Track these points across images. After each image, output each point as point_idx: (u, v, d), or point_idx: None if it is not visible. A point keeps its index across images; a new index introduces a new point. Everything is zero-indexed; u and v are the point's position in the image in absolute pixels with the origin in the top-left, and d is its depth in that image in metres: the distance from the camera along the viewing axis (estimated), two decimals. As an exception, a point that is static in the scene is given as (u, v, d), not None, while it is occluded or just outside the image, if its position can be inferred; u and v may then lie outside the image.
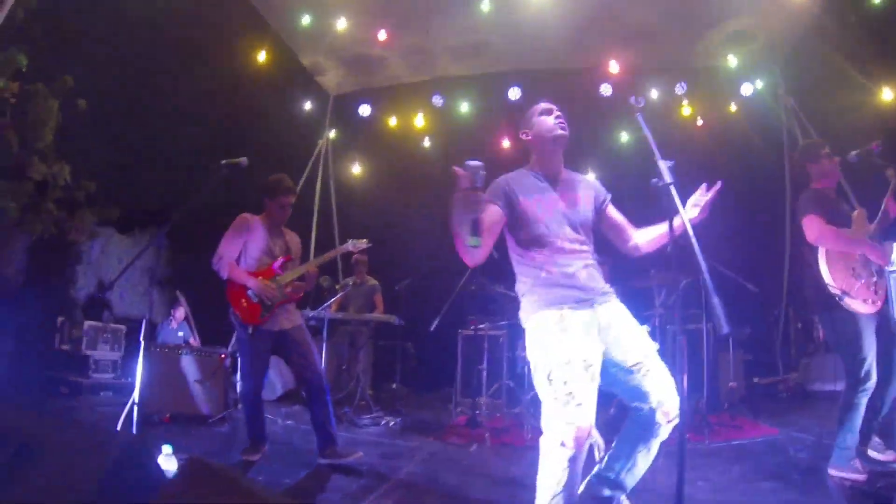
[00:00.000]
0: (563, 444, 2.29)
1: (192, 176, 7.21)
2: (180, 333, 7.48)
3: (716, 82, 7.06)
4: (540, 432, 2.47)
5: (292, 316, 4.09)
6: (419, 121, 7.86)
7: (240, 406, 4.76)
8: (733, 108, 7.00)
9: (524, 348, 5.27)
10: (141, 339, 3.49)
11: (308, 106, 7.76)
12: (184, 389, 5.31)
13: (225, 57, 6.74)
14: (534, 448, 4.00)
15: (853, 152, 3.57)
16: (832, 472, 3.39)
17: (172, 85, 6.84)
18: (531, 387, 5.24)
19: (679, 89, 7.22)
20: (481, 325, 6.01)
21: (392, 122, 7.94)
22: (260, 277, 3.95)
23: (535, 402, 5.08)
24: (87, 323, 7.01)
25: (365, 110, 7.91)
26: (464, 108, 7.78)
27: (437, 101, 7.78)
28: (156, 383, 5.17)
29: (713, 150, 6.75)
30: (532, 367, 2.53)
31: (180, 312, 7.45)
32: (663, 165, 2.28)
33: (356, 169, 8.13)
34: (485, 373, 5.80)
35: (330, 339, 6.43)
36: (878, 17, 5.46)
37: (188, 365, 5.42)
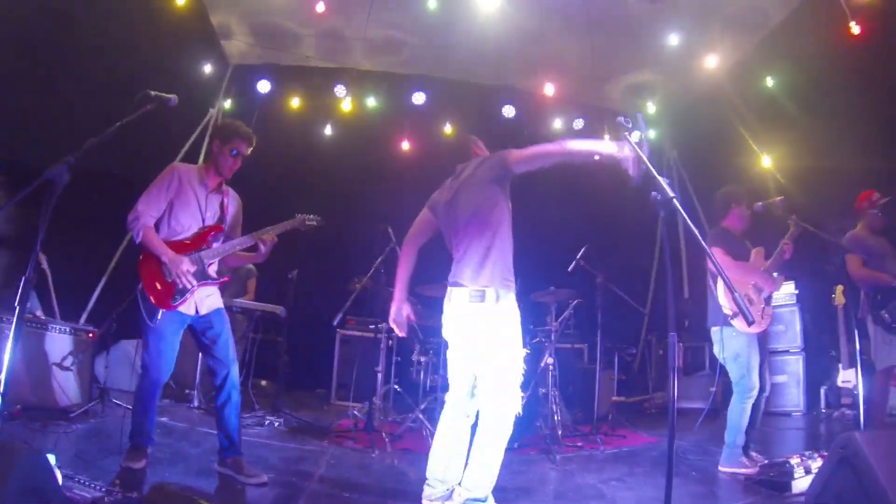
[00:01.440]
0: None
1: (71, 127, 6.36)
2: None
3: (611, 124, 7.89)
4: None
5: (214, 297, 3.61)
6: (323, 107, 7.73)
7: (112, 399, 4.24)
8: (626, 150, 7.90)
9: (424, 353, 5.50)
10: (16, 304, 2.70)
11: (208, 69, 7.26)
12: (41, 375, 4.50)
13: None
14: None
15: (759, 203, 4.36)
16: (723, 468, 4.07)
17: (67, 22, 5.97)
18: (427, 393, 5.46)
19: (578, 124, 7.96)
20: (377, 326, 5.98)
21: (294, 103, 7.69)
22: (180, 253, 3.38)
23: (430, 411, 5.29)
24: None
25: (265, 86, 7.62)
26: (369, 103, 7.82)
27: (340, 90, 7.72)
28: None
29: (607, 185, 7.54)
30: (508, 344, 2.94)
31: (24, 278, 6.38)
32: (663, 182, 2.59)
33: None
34: (380, 375, 5.77)
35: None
36: (769, 97, 6.62)
37: (49, 344, 4.61)
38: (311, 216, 3.80)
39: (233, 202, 3.74)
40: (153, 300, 3.36)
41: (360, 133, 7.80)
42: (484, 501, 2.94)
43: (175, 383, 6.21)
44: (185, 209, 3.46)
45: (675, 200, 2.53)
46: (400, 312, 3.36)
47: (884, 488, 2.33)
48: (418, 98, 7.90)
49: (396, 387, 6.00)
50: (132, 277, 6.61)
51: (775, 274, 4.34)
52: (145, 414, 3.46)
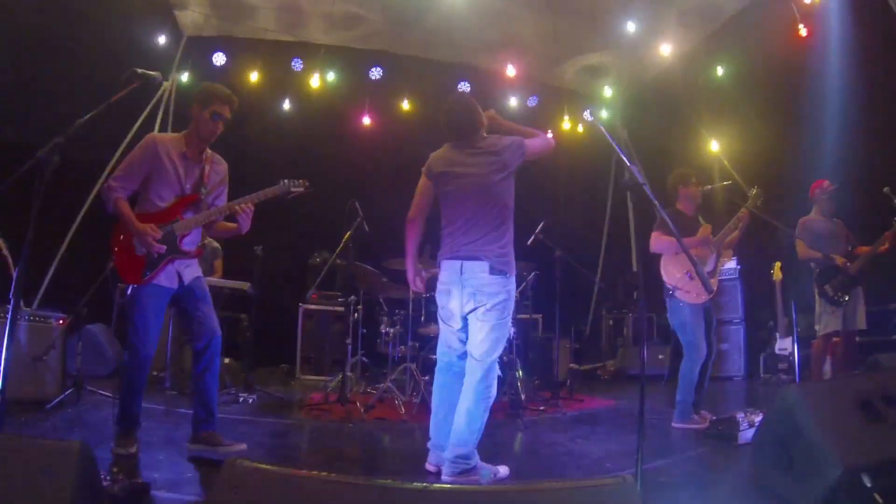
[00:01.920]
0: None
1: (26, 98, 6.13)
2: None
3: (564, 102, 8.29)
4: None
5: (193, 266, 3.56)
6: (281, 81, 7.74)
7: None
8: (580, 128, 8.30)
9: (391, 325, 5.74)
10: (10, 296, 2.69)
11: (162, 40, 7.15)
12: (12, 367, 4.39)
13: None
14: (409, 421, 4.73)
15: (708, 186, 4.82)
16: (677, 425, 4.56)
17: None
18: (397, 363, 5.72)
19: (531, 102, 8.27)
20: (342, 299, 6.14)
21: (253, 77, 7.65)
22: (149, 224, 3.28)
23: (401, 382, 5.60)
24: None
25: (220, 59, 7.55)
26: (328, 77, 7.88)
27: (297, 65, 7.73)
28: None
29: (562, 162, 7.93)
30: (505, 309, 3.32)
31: None
32: (633, 169, 2.91)
33: (205, 121, 7.67)
34: (350, 347, 5.88)
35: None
36: (719, 87, 7.14)
37: (18, 334, 4.50)
38: (298, 182, 3.57)
39: (216, 169, 3.61)
40: (122, 275, 3.34)
41: (319, 108, 7.86)
42: (469, 458, 3.25)
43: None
44: (162, 181, 3.37)
45: (645, 187, 2.87)
46: (416, 281, 3.66)
47: (818, 432, 2.75)
48: (375, 73, 8.03)
49: (364, 358, 6.21)
50: (87, 260, 6.54)
51: (725, 252, 4.83)
52: (133, 395, 3.35)
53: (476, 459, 3.30)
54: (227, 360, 7.03)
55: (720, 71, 7.23)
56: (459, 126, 3.58)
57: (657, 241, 4.63)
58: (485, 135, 3.56)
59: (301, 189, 3.57)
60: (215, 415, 3.50)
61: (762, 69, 6.71)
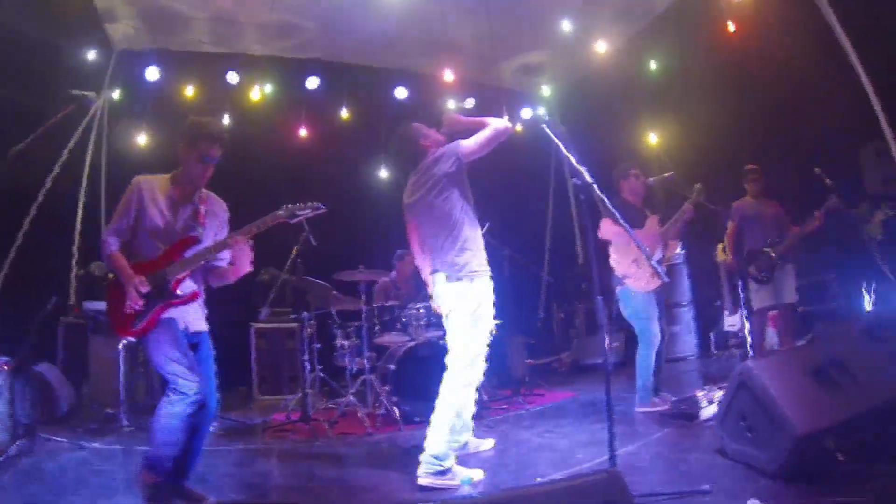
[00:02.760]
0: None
1: None
2: None
3: (503, 102, 8.43)
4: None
5: (198, 316, 3.28)
6: (218, 95, 7.53)
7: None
8: (518, 127, 8.44)
9: (346, 337, 5.70)
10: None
11: (91, 55, 6.85)
12: None
13: None
14: (375, 433, 4.84)
15: (651, 178, 5.00)
16: (639, 409, 4.75)
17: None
18: (356, 375, 5.67)
19: (469, 102, 8.38)
20: (300, 316, 6.03)
21: (189, 91, 7.43)
22: (137, 276, 3.03)
23: (361, 394, 5.56)
24: None
25: (154, 73, 7.29)
26: (265, 89, 7.76)
27: (233, 76, 7.57)
28: None
29: (502, 160, 8.04)
30: (469, 313, 3.54)
31: None
32: (583, 170, 3.02)
33: (141, 139, 7.37)
34: (307, 363, 5.74)
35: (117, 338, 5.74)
36: (654, 80, 7.44)
37: None
38: (305, 204, 3.22)
39: (214, 211, 3.35)
40: (113, 328, 3.13)
41: (257, 121, 7.70)
42: (443, 459, 3.36)
43: (94, 402, 6.02)
44: (150, 228, 3.15)
45: (594, 186, 2.99)
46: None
47: (775, 401, 2.92)
48: (312, 83, 7.93)
49: (322, 373, 6.14)
50: (24, 295, 6.17)
51: (671, 242, 5.08)
52: (178, 443, 3.02)
53: (451, 461, 3.35)
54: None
55: (653, 65, 7.52)
56: (405, 157, 3.87)
57: (607, 228, 4.79)
58: (435, 151, 3.73)
59: (309, 212, 3.23)
60: (185, 474, 3.17)
61: (694, 62, 7.03)
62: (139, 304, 3.03)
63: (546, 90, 8.91)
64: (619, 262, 4.86)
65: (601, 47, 7.44)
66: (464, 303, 3.52)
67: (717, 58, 6.70)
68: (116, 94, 7.43)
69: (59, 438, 4.76)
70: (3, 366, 4.47)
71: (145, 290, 3.03)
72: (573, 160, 3.06)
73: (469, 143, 3.60)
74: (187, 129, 3.21)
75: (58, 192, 7.04)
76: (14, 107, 5.42)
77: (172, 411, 2.97)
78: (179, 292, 3.16)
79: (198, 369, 3.05)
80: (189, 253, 3.16)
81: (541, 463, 3.67)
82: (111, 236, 3.12)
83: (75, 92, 2.89)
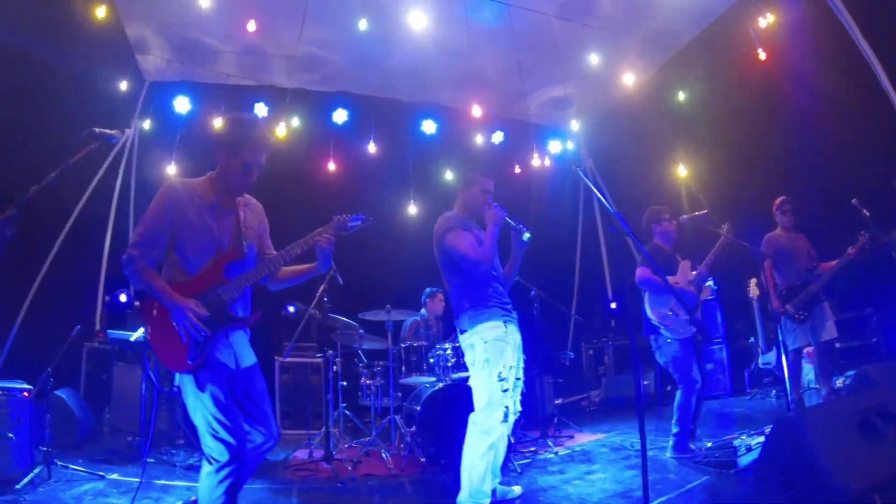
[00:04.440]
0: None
1: None
2: None
3: (531, 136, 8.50)
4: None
5: (248, 347, 2.98)
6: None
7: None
8: (547, 161, 8.49)
9: (372, 377, 5.70)
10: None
11: (124, 86, 7.09)
12: None
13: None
14: (399, 475, 4.82)
15: (685, 216, 4.98)
16: (674, 455, 4.60)
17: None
18: (380, 415, 5.64)
19: (497, 137, 8.45)
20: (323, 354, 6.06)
21: (217, 123, 7.58)
22: (189, 299, 2.71)
23: (387, 434, 5.56)
24: None
25: (184, 104, 7.51)
26: (293, 122, 7.88)
27: (261, 108, 7.73)
28: None
29: (529, 198, 8.10)
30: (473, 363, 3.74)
31: None
32: (617, 217, 3.03)
33: (171, 169, 7.57)
34: (332, 402, 5.75)
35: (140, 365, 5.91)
36: (682, 111, 7.45)
37: None
38: (353, 215, 3.11)
39: (252, 213, 3.07)
40: (164, 361, 2.75)
41: (286, 153, 7.78)
42: None
43: (115, 429, 6.11)
44: (192, 238, 2.80)
45: (629, 235, 2.99)
46: None
47: (818, 458, 2.83)
48: (339, 116, 8.03)
49: (346, 412, 6.10)
50: (48, 323, 6.30)
51: (707, 283, 5.03)
52: (234, 491, 2.73)
53: None
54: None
55: (682, 96, 7.55)
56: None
57: (646, 277, 4.78)
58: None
59: (360, 224, 3.09)
60: None
61: (723, 92, 7.05)
62: (205, 331, 2.68)
63: (575, 124, 8.97)
64: (655, 309, 4.81)
65: (629, 80, 7.49)
66: (469, 354, 3.74)
67: (746, 86, 6.73)
68: (147, 125, 7.66)
69: (76, 468, 4.80)
70: (24, 394, 4.58)
71: (203, 313, 2.70)
72: (608, 206, 3.09)
73: (453, 243, 3.78)
74: (228, 135, 2.92)
75: (86, 221, 7.27)
76: (47, 137, 5.64)
77: (210, 485, 2.68)
78: (237, 315, 2.88)
79: (239, 425, 2.76)
80: (238, 270, 2.88)
81: None
82: (141, 250, 2.72)
83: (98, 130, 2.72)
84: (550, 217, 8.72)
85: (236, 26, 6.76)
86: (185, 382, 2.72)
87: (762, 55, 6.43)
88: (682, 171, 7.61)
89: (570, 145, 8.93)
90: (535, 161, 8.36)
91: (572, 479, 4.43)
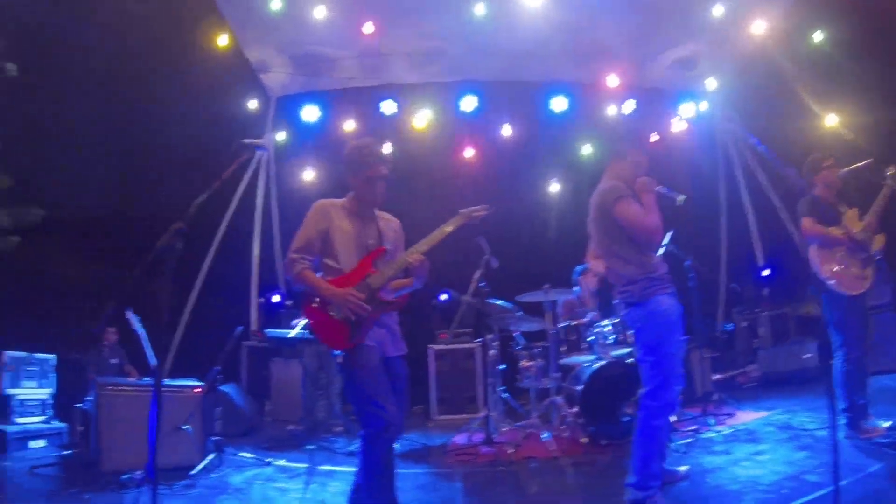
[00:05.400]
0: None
1: (115, 175, 6.93)
2: (113, 361, 7.11)
3: (662, 102, 8.31)
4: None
5: (397, 340, 3.46)
6: (377, 127, 8.11)
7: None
8: (682, 125, 8.28)
9: (528, 359, 5.91)
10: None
11: (253, 105, 7.82)
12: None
13: (165, 38, 6.56)
14: (560, 457, 4.85)
15: (844, 170, 4.74)
16: (851, 433, 4.40)
17: (105, 67, 6.53)
18: (540, 396, 5.88)
19: (628, 106, 8.34)
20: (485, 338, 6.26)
21: (348, 126, 8.16)
22: (345, 287, 3.22)
23: (547, 416, 5.73)
24: (7, 353, 6.20)
25: (312, 113, 8.10)
26: (420, 116, 8.24)
27: (388, 106, 8.15)
28: (115, 431, 4.76)
29: (667, 162, 7.93)
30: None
31: (112, 335, 7.09)
32: (790, 173, 3.02)
33: (308, 175, 8.26)
34: (490, 387, 6.01)
35: (300, 358, 6.59)
36: (822, 52, 6.99)
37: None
38: (479, 207, 3.55)
39: (391, 226, 3.62)
40: (324, 341, 3.30)
41: (421, 147, 8.20)
42: (641, 489, 3.47)
43: (276, 419, 6.76)
44: (343, 242, 3.38)
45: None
46: None
47: None
48: (468, 104, 8.29)
49: (505, 394, 6.32)
50: (209, 323, 7.13)
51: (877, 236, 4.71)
52: (385, 474, 3.21)
53: (647, 493, 3.46)
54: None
55: (819, 37, 7.06)
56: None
57: (811, 228, 4.62)
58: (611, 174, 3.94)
59: (483, 212, 3.55)
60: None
61: (865, 26, 6.46)
62: (367, 308, 3.18)
63: (710, 83, 8.59)
64: (823, 263, 4.59)
65: (758, 28, 7.08)
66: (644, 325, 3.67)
67: (892, 16, 6.09)
68: (281, 137, 8.32)
69: (244, 454, 5.39)
70: (195, 390, 5.20)
71: (362, 297, 3.20)
72: (768, 160, 3.06)
73: (625, 214, 3.66)
74: (349, 156, 3.47)
75: (234, 232, 8.12)
76: (190, 161, 6.34)
77: (367, 454, 3.16)
78: (387, 299, 3.36)
79: (391, 399, 3.19)
80: (383, 263, 3.38)
81: (744, 498, 3.59)
82: (300, 255, 3.33)
83: (247, 141, 3.12)
84: (692, 183, 8.52)
85: (352, 31, 7.18)
86: (345, 360, 3.25)
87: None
88: (831, 120, 7.11)
89: (705, 106, 8.60)
90: (673, 126, 8.17)
91: (739, 459, 4.36)
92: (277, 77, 8.06)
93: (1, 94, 5.86)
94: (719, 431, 5.27)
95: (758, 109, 7.83)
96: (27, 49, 6.07)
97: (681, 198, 3.81)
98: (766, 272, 8.46)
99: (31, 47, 6.10)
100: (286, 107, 8.36)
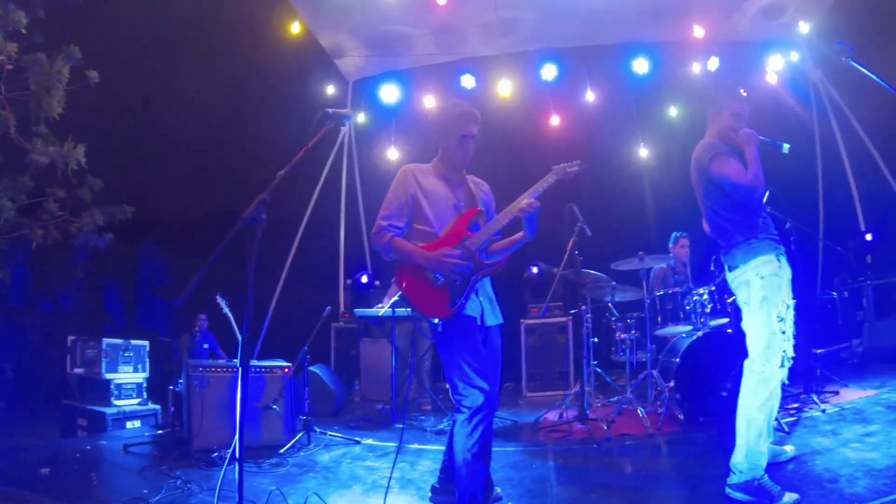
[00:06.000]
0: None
1: (201, 172, 7.28)
2: (205, 346, 7.54)
3: (747, 55, 7.92)
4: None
5: (496, 309, 3.41)
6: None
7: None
8: (772, 79, 7.88)
9: (623, 331, 5.85)
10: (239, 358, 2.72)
11: (331, 90, 7.99)
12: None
13: (239, 35, 6.83)
14: (656, 435, 4.78)
15: None
16: None
17: (185, 67, 6.80)
18: (635, 370, 5.82)
19: (712, 63, 8.01)
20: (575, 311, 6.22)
21: (429, 103, 8.20)
22: (441, 249, 3.15)
23: (642, 391, 5.66)
24: (106, 340, 6.67)
25: (391, 93, 8.18)
26: (499, 87, 8.20)
27: (468, 80, 8.12)
28: (206, 411, 5.04)
29: (760, 118, 7.57)
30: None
31: (203, 321, 7.51)
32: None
33: (393, 155, 8.37)
34: (585, 359, 5.96)
35: (389, 338, 6.69)
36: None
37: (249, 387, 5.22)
38: (571, 163, 3.42)
39: (482, 189, 3.57)
40: (424, 311, 3.19)
41: (506, 118, 8.14)
42: (746, 470, 3.35)
43: (365, 399, 6.99)
44: (434, 205, 3.33)
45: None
46: None
47: None
48: (548, 72, 8.20)
49: (598, 369, 6.32)
50: (298, 304, 7.40)
51: None
52: (484, 457, 3.19)
53: (755, 473, 3.34)
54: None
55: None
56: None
57: None
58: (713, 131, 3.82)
59: (576, 168, 3.43)
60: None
61: None
62: (468, 266, 3.12)
63: (803, 26, 8.03)
64: None
65: None
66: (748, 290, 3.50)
67: None
68: (361, 118, 8.45)
69: (333, 434, 5.57)
70: (284, 371, 5.43)
71: (458, 253, 3.15)
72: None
73: (722, 171, 3.54)
74: (440, 115, 3.44)
75: (319, 216, 8.37)
76: (273, 155, 6.58)
77: (464, 434, 3.10)
78: (486, 261, 3.28)
79: (489, 374, 3.15)
80: (478, 226, 3.32)
81: (857, 483, 3.45)
82: (389, 222, 3.26)
83: (332, 110, 3.01)
84: (784, 139, 8.12)
85: (426, 8, 7.16)
86: (444, 330, 3.16)
87: None
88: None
89: (795, 56, 8.12)
90: (767, 78, 7.79)
91: (849, 441, 4.18)
92: (353, 61, 8.17)
93: (88, 100, 6.14)
94: (824, 410, 5.08)
95: (856, 51, 7.31)
96: (111, 55, 6.33)
97: (786, 147, 3.63)
98: (868, 237, 8.02)
99: (112, 52, 6.37)
100: (363, 90, 8.47)
